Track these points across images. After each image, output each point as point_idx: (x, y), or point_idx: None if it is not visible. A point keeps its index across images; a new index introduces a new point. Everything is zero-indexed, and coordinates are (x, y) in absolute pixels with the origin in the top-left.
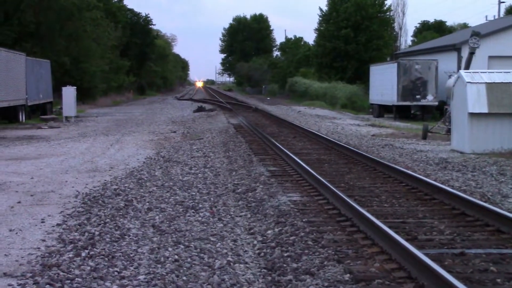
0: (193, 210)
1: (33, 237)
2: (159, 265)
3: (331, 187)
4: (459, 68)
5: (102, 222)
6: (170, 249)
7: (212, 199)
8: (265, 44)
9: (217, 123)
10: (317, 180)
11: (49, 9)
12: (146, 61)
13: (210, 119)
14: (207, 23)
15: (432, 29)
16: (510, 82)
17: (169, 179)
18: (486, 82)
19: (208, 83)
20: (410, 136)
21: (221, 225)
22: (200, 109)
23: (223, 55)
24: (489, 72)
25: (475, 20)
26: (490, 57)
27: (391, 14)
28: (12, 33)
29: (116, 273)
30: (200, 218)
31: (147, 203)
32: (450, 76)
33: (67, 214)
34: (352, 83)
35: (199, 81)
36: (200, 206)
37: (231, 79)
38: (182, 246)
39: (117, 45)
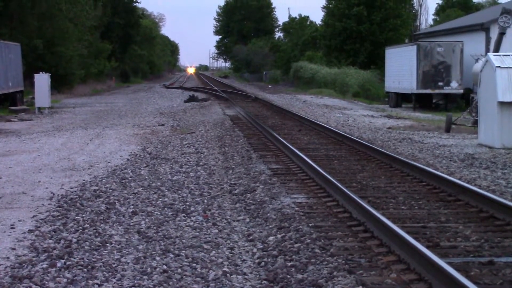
0: (184, 214)
1: (1, 245)
2: (145, 277)
3: (341, 187)
4: (487, 51)
5: (80, 227)
6: (157, 258)
7: (205, 201)
8: (266, 24)
9: (211, 114)
10: (325, 179)
11: None
12: (130, 44)
13: (204, 110)
14: (200, 0)
15: (456, 6)
16: None
17: (156, 178)
18: None
19: (201, 69)
20: (432, 129)
21: (216, 231)
22: (191, 99)
23: (218, 37)
24: None
25: None
26: None
27: None
28: None
29: (96, 285)
30: (192, 223)
31: (132, 206)
32: (477, 60)
33: (40, 219)
34: (366, 69)
35: (190, 66)
36: (192, 209)
37: (227, 64)
38: (171, 255)
39: (97, 25)
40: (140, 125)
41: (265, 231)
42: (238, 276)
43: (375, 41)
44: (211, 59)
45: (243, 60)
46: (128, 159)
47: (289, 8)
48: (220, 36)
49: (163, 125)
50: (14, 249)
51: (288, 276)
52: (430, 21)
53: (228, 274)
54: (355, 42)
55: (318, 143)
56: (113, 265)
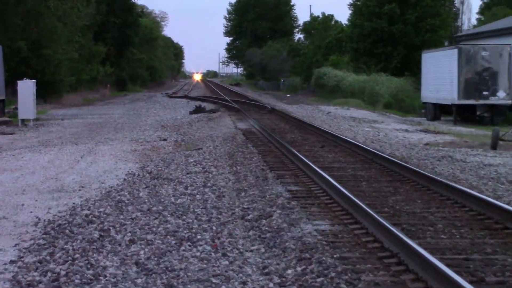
0: (189, 243)
1: None
2: None
3: (371, 212)
4: None
5: (69, 258)
6: None
7: (214, 228)
8: (284, 24)
9: (220, 128)
10: (353, 203)
11: None
12: (127, 47)
13: (212, 123)
14: None
15: (504, 4)
16: None
17: (157, 201)
18: None
19: (209, 75)
20: (476, 145)
21: (226, 262)
22: (198, 110)
23: (228, 39)
24: None
25: None
26: None
27: None
28: None
29: None
30: (198, 254)
31: (129, 234)
32: None
33: (24, 248)
34: (399, 76)
35: (197, 73)
36: (199, 237)
37: (239, 70)
38: None
39: (90, 25)
40: (138, 140)
41: (282, 263)
42: None
43: (410, 44)
44: (221, 64)
45: (257, 66)
46: (125, 179)
47: (310, 5)
48: (231, 38)
49: (165, 140)
50: None
51: None
52: (474, 21)
53: None
54: (386, 45)
55: (344, 162)
56: None
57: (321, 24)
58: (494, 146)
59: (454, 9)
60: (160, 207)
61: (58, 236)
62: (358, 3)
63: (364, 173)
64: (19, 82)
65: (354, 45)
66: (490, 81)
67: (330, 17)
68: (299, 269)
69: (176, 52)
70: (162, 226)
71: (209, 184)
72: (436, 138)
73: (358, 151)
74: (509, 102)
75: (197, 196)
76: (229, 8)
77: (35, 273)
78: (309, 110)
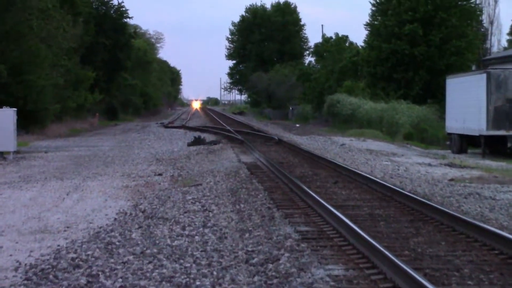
0: None
1: None
2: None
3: (390, 255)
4: None
5: None
6: None
7: (215, 273)
8: (293, 46)
9: (222, 161)
10: (369, 245)
11: None
12: (118, 71)
13: (213, 156)
14: (207, 16)
15: None
16: None
17: (152, 244)
18: None
19: (210, 103)
20: (506, 181)
21: None
22: (197, 141)
23: (231, 63)
24: None
25: None
26: None
27: (477, 2)
28: None
29: None
30: None
31: (120, 280)
32: None
33: None
34: (421, 103)
35: (196, 100)
36: (198, 283)
37: (243, 97)
38: None
39: (77, 47)
40: (131, 175)
41: None
42: None
43: (433, 68)
44: (222, 90)
45: (263, 92)
46: (115, 219)
47: (322, 25)
48: (234, 61)
49: (160, 175)
50: None
51: None
52: (504, 43)
53: None
54: (407, 70)
55: (360, 199)
56: None
57: (334, 46)
58: None
59: (482, 30)
60: (155, 250)
61: (41, 282)
62: (375, 22)
63: (382, 211)
64: None
65: (371, 69)
66: None
67: (344, 38)
68: None
69: (173, 77)
70: (157, 271)
71: (209, 224)
72: (462, 173)
73: (375, 187)
74: None
75: (196, 237)
76: (232, 28)
77: None
78: (320, 142)
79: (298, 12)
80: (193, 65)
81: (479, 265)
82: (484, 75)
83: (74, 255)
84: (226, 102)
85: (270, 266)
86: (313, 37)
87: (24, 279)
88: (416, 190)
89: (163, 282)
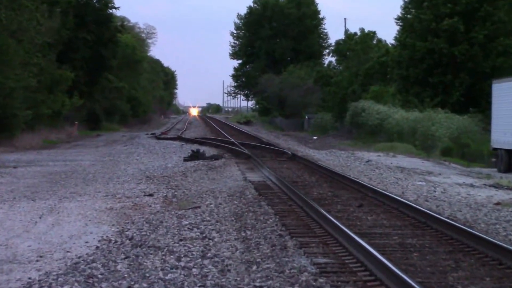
0: None
1: None
2: None
3: None
4: None
5: None
6: None
7: None
8: (310, 44)
9: (225, 180)
10: (401, 281)
11: None
12: (102, 72)
13: (214, 173)
14: (208, 7)
15: None
16: None
17: (141, 277)
18: None
19: (211, 110)
20: None
21: None
22: (195, 156)
23: (236, 62)
24: None
25: None
26: None
27: None
28: None
29: None
30: None
31: None
32: None
33: None
34: (462, 112)
35: (193, 106)
36: None
37: (250, 103)
38: None
39: (53, 43)
40: (116, 195)
41: None
42: None
43: (477, 71)
44: (225, 95)
45: (274, 98)
46: (97, 247)
47: (345, 19)
48: (240, 61)
49: (151, 195)
50: None
51: None
52: None
53: None
54: (445, 72)
55: (389, 226)
56: None
57: (359, 44)
58: None
59: None
60: (144, 285)
61: None
62: (409, 16)
63: (416, 241)
64: None
65: (403, 71)
66: None
67: (371, 34)
68: None
69: (166, 79)
70: None
71: (209, 255)
72: (510, 196)
73: (407, 212)
74: None
75: (194, 270)
76: (238, 21)
77: None
78: (342, 158)
79: (317, 4)
80: (190, 65)
81: None
82: None
83: None
84: (229, 109)
85: None
86: (334, 33)
87: None
88: (456, 215)
89: None
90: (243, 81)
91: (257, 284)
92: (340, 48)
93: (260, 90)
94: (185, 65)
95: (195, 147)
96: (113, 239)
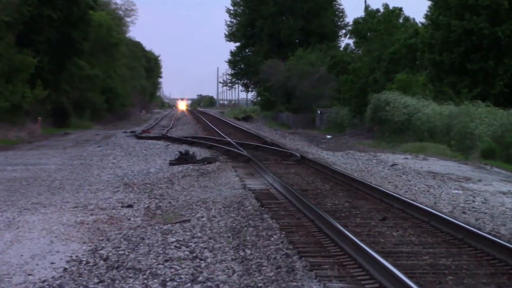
0: None
1: None
2: None
3: None
4: None
5: None
6: None
7: None
8: (322, 23)
9: (220, 188)
10: None
11: None
12: (71, 57)
13: (206, 179)
14: None
15: None
16: None
17: None
18: None
19: (203, 102)
20: None
21: None
22: (184, 159)
23: (233, 45)
24: None
25: None
26: None
27: None
28: None
29: None
30: None
31: None
32: None
33: None
34: (507, 107)
35: (182, 99)
36: None
37: (250, 95)
38: None
39: (12, 22)
40: (88, 206)
41: None
42: None
43: None
44: (221, 85)
45: (279, 88)
46: (65, 269)
47: None
48: (238, 44)
49: (130, 206)
50: None
51: None
52: None
53: None
54: (487, 57)
55: (418, 243)
56: None
57: (382, 23)
58: None
59: None
60: None
61: None
62: None
63: (451, 262)
64: None
65: (436, 56)
66: None
67: (397, 11)
68: None
69: (149, 66)
70: None
71: (201, 278)
72: None
73: (440, 226)
74: None
75: None
76: None
77: None
78: (362, 161)
79: None
80: (178, 49)
81: None
82: None
83: None
84: (225, 102)
85: None
86: (352, 10)
87: None
88: (499, 230)
89: None
90: (242, 68)
91: None
92: (359, 28)
93: (263, 79)
94: (171, 49)
95: (183, 148)
96: (84, 259)
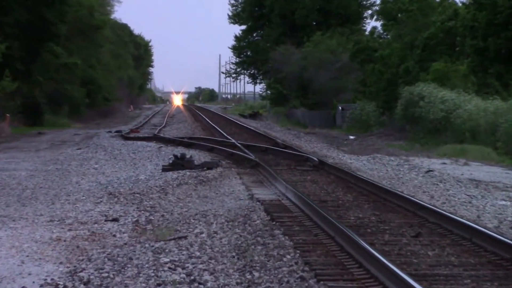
0: None
1: None
2: None
3: None
4: None
5: None
6: None
7: None
8: (343, 3)
9: (222, 198)
10: None
11: None
12: (45, 42)
13: (206, 188)
14: None
15: None
16: None
17: None
18: None
19: (202, 97)
20: None
21: None
22: (179, 164)
23: (238, 29)
24: None
25: None
26: None
27: None
28: None
29: None
30: None
31: None
32: None
33: None
34: None
35: (177, 93)
36: None
37: (259, 87)
38: None
39: None
40: (65, 219)
41: None
42: None
43: None
44: (223, 76)
45: (293, 80)
46: None
47: None
48: (243, 27)
49: (116, 220)
50: None
51: None
52: None
53: None
54: None
55: (459, 265)
56: None
57: (416, 3)
58: None
59: None
60: None
61: None
62: None
63: (497, 286)
64: None
65: (479, 42)
66: None
67: None
68: None
69: (138, 53)
70: None
71: None
72: None
73: (484, 244)
74: None
75: None
76: None
77: None
78: (392, 166)
79: None
80: (172, 33)
81: None
82: None
83: None
84: (228, 96)
85: None
86: None
87: None
88: None
89: None
90: (248, 55)
91: None
92: (388, 8)
93: (273, 68)
94: (164, 33)
95: (178, 151)
96: (61, 283)
